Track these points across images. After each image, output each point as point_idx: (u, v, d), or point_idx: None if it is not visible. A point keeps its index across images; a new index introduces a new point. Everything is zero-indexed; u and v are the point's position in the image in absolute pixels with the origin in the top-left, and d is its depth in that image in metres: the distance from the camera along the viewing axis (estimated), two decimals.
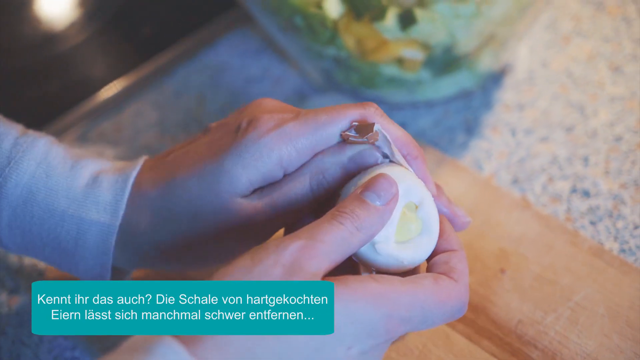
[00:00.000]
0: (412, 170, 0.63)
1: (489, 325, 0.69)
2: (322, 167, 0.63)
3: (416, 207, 0.61)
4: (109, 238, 0.64)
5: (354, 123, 0.62)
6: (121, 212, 0.64)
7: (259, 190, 0.63)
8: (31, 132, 0.67)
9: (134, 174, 0.65)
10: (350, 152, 0.63)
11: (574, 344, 0.68)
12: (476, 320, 0.70)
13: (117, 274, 0.68)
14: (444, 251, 0.61)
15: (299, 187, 0.63)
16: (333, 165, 0.63)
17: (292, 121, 0.62)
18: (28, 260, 0.79)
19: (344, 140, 0.63)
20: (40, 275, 0.78)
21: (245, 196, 0.63)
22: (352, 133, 0.62)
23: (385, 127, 0.62)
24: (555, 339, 0.68)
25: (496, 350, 0.68)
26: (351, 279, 0.55)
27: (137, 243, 0.65)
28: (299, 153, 0.62)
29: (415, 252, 0.60)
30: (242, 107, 0.67)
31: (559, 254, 0.73)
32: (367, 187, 0.58)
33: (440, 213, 0.63)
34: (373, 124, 0.61)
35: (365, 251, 0.59)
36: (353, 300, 0.54)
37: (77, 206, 0.64)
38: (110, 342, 0.71)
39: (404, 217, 0.60)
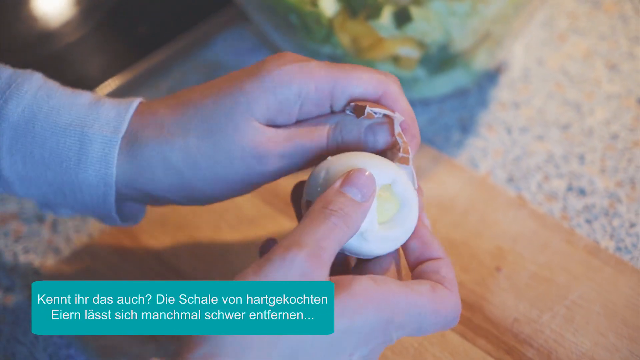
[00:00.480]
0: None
1: (485, 323, 0.69)
2: (342, 123, 0.63)
3: (389, 185, 0.60)
4: (112, 150, 0.63)
5: (352, 103, 0.63)
6: (124, 126, 0.63)
7: (275, 127, 0.63)
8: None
9: (137, 100, 0.65)
10: (368, 122, 0.63)
11: (569, 342, 0.67)
12: (472, 319, 0.69)
13: (127, 214, 0.68)
14: (429, 259, 0.61)
15: (317, 134, 0.63)
16: (352, 125, 0.63)
17: (315, 61, 0.63)
18: (23, 258, 0.79)
19: (356, 112, 0.63)
20: (36, 273, 0.78)
21: (261, 123, 0.62)
22: (349, 112, 0.63)
23: (397, 96, 0.63)
24: (551, 338, 0.68)
25: (492, 349, 0.68)
26: (352, 281, 0.55)
27: (145, 156, 0.63)
28: (317, 91, 0.62)
29: (402, 229, 0.60)
30: None
31: (554, 253, 0.73)
32: (349, 181, 0.58)
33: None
34: (365, 107, 0.62)
35: (354, 242, 0.59)
36: (356, 307, 0.54)
37: (80, 121, 0.64)
38: (105, 340, 0.71)
39: (379, 199, 0.60)
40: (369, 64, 0.83)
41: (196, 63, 0.97)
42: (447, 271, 0.60)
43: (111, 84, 0.93)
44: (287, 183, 0.80)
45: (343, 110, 0.63)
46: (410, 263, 0.62)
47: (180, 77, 0.95)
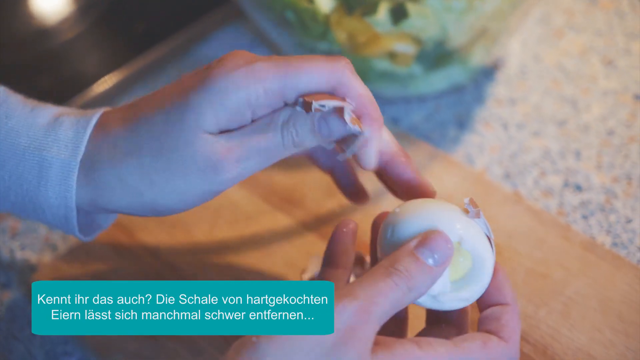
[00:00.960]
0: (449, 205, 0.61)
1: None
2: (294, 117, 0.61)
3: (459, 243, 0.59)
4: (70, 174, 0.63)
5: (299, 99, 0.61)
6: (82, 148, 0.63)
7: (228, 132, 0.61)
8: None
9: (97, 115, 0.64)
10: (318, 113, 0.61)
11: (565, 338, 0.68)
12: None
13: (88, 226, 0.67)
14: (496, 304, 0.59)
15: (270, 133, 0.61)
16: (305, 118, 0.61)
17: (262, 61, 0.61)
18: (20, 255, 0.79)
19: (305, 108, 0.61)
20: (33, 269, 0.78)
21: (212, 134, 0.61)
22: (300, 108, 0.61)
23: (350, 83, 0.61)
24: (547, 333, 0.68)
25: None
26: (395, 344, 0.54)
27: (102, 179, 0.63)
28: (267, 94, 0.60)
29: (475, 287, 0.59)
30: None
31: (551, 248, 0.73)
32: (423, 243, 0.57)
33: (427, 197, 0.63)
34: (311, 102, 0.60)
35: (426, 302, 0.58)
36: None
37: (38, 144, 0.63)
38: (102, 338, 0.71)
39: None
40: (366, 60, 0.83)
41: (193, 60, 0.97)
42: (509, 319, 0.58)
43: (108, 81, 0.93)
44: (284, 180, 0.80)
45: (294, 105, 0.61)
46: (479, 305, 0.61)
47: (177, 74, 0.95)
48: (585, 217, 0.77)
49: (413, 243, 0.57)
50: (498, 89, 0.89)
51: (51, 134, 0.64)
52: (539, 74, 0.90)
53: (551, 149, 0.83)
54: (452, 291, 0.58)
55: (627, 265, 0.71)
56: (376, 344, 0.54)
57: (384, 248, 0.60)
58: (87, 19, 1.00)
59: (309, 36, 0.82)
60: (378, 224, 0.65)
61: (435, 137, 0.85)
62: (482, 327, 0.59)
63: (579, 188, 0.79)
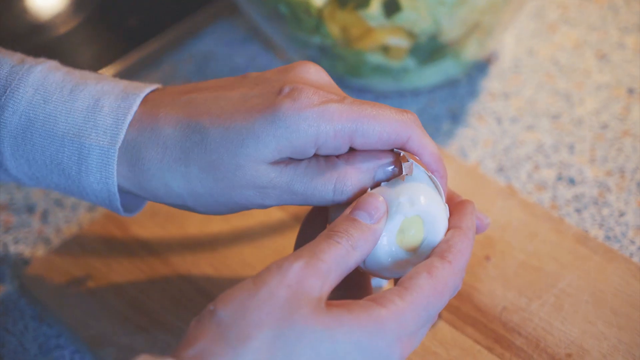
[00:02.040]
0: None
1: (474, 312, 0.69)
2: (348, 176, 0.61)
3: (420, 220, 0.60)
4: (110, 161, 0.62)
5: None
6: (121, 136, 0.62)
7: (285, 162, 0.61)
8: (29, 59, 0.66)
9: (139, 99, 0.63)
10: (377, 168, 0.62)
11: (558, 330, 0.68)
12: (461, 308, 0.70)
13: (132, 204, 0.68)
14: (452, 227, 0.61)
15: (321, 187, 0.61)
16: (360, 176, 0.61)
17: (336, 103, 0.60)
18: (13, 249, 0.79)
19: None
20: (26, 263, 0.78)
21: (268, 163, 0.60)
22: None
23: (423, 141, 0.61)
24: (539, 326, 0.68)
25: (480, 337, 0.68)
26: (354, 304, 0.55)
27: (147, 178, 0.63)
28: (336, 136, 0.60)
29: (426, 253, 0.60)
30: (287, 66, 0.64)
31: (543, 242, 0.73)
32: (358, 206, 0.58)
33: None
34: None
35: (385, 272, 0.60)
36: (358, 328, 0.54)
37: (76, 130, 0.63)
38: (94, 330, 0.71)
39: (405, 223, 0.59)
40: (359, 54, 0.83)
41: (187, 54, 0.97)
42: (457, 241, 0.59)
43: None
44: None
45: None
46: None
47: (171, 69, 0.95)
48: (578, 211, 0.77)
49: (348, 210, 0.59)
50: (492, 83, 0.89)
51: (90, 120, 0.63)
52: (533, 68, 0.90)
53: (545, 143, 0.83)
54: (411, 258, 0.60)
55: (620, 258, 0.71)
56: (333, 305, 0.55)
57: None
58: (81, 13, 1.00)
59: (302, 30, 0.82)
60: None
61: (429, 130, 0.85)
62: (434, 250, 0.59)
63: (572, 182, 0.80)
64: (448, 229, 0.61)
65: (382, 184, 0.60)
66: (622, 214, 0.77)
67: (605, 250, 0.72)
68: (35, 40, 0.98)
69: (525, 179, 0.80)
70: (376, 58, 0.83)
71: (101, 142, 0.62)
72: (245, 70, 0.94)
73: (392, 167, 0.61)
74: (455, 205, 0.62)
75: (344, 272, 0.56)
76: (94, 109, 0.63)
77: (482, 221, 0.65)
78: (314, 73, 0.63)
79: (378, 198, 0.59)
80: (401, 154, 0.61)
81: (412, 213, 0.59)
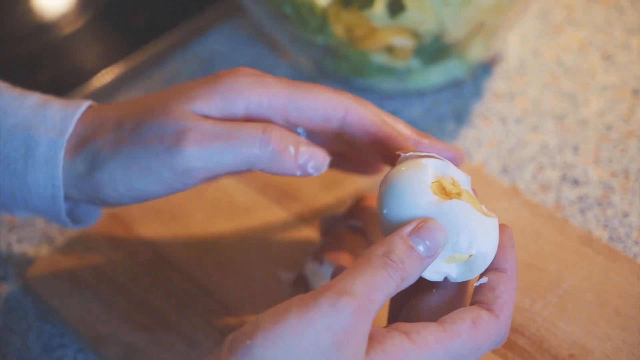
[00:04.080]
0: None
1: None
2: (278, 127, 0.61)
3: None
4: (58, 152, 0.63)
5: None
6: (70, 129, 0.63)
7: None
8: None
9: (87, 103, 0.65)
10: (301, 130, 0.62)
11: (561, 331, 0.67)
12: None
13: (80, 216, 0.68)
14: (494, 269, 0.58)
15: (249, 126, 0.60)
16: (289, 133, 0.61)
17: (273, 78, 0.62)
18: (17, 248, 0.79)
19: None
20: (30, 263, 0.78)
21: (194, 113, 0.61)
22: None
23: (360, 110, 0.62)
24: (542, 326, 0.68)
25: None
26: (386, 338, 0.53)
27: (84, 156, 0.63)
28: (270, 103, 0.61)
29: (464, 272, 0.58)
30: None
31: (547, 242, 0.73)
32: (420, 232, 0.56)
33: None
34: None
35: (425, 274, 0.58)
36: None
37: (26, 123, 0.64)
38: (98, 329, 0.71)
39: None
40: (364, 54, 0.83)
41: (191, 55, 0.97)
42: (504, 290, 0.57)
43: (107, 75, 0.93)
44: None
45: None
46: None
47: (176, 69, 0.95)
48: (582, 212, 0.77)
49: (407, 230, 0.56)
50: (496, 84, 0.89)
51: (39, 114, 0.64)
52: (538, 68, 0.90)
53: (549, 144, 0.83)
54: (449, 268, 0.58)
55: (623, 258, 0.71)
56: (370, 342, 0.53)
57: (380, 221, 0.59)
58: (86, 13, 1.00)
59: (307, 30, 0.82)
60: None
61: (434, 131, 0.85)
62: (475, 296, 0.57)
63: (576, 182, 0.79)
64: (491, 268, 0.58)
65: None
66: (626, 215, 0.76)
67: (609, 251, 0.72)
68: (40, 40, 0.98)
69: (530, 180, 0.80)
70: (380, 58, 0.83)
71: (50, 134, 0.63)
72: None
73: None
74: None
75: (386, 301, 0.55)
76: (44, 106, 0.64)
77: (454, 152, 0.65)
78: (252, 69, 0.64)
79: (441, 230, 0.56)
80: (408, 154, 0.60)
81: (466, 252, 0.57)
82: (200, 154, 0.60)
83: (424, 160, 0.58)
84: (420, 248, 0.55)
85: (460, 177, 0.59)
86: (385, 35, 0.80)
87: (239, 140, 0.60)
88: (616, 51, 0.91)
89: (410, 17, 0.78)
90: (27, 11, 1.02)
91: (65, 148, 0.63)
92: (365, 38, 0.81)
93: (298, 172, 0.62)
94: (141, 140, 0.61)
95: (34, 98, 0.65)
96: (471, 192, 0.60)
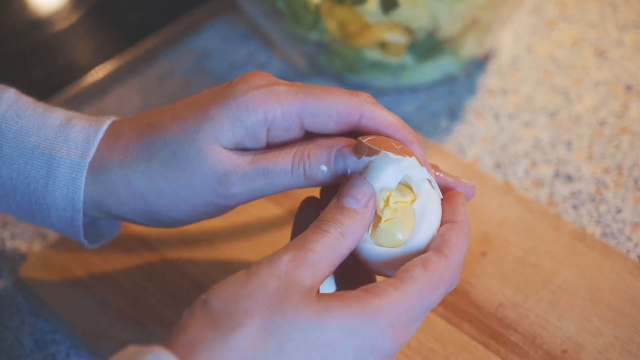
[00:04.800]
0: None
1: (470, 308, 0.69)
2: (308, 149, 0.62)
3: (413, 195, 0.60)
4: (79, 175, 0.63)
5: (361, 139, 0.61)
6: (93, 150, 0.63)
7: (242, 150, 0.63)
8: None
9: (109, 121, 0.65)
10: (338, 146, 0.62)
11: (554, 327, 0.68)
12: (457, 304, 0.69)
13: (94, 234, 0.68)
14: (447, 222, 0.60)
15: (281, 160, 0.61)
16: (320, 151, 0.61)
17: (284, 85, 0.62)
18: (10, 244, 0.79)
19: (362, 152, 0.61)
20: (23, 259, 0.78)
21: (226, 148, 0.62)
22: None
23: (376, 114, 0.62)
24: (535, 322, 0.68)
25: (476, 333, 0.68)
26: (346, 294, 0.55)
27: (110, 181, 0.63)
28: (284, 115, 0.61)
29: (420, 236, 0.59)
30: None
31: (540, 238, 0.73)
32: (344, 192, 0.59)
33: (448, 184, 0.63)
34: (371, 148, 0.60)
35: (367, 251, 0.60)
36: (349, 315, 0.54)
37: (48, 143, 0.64)
38: (91, 326, 0.71)
39: (394, 209, 0.59)
40: (357, 50, 0.83)
41: (185, 51, 0.96)
42: (453, 235, 0.59)
43: (101, 71, 0.93)
44: None
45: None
46: None
47: (170, 65, 0.95)
48: (575, 207, 0.77)
49: (334, 200, 0.59)
50: (490, 80, 0.89)
51: (62, 135, 0.64)
52: (531, 64, 0.90)
53: (542, 140, 0.83)
54: (407, 255, 0.59)
55: (616, 254, 0.71)
56: (325, 295, 0.55)
57: None
58: (80, 9, 1.00)
59: (300, 26, 0.82)
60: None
61: (427, 127, 0.85)
62: (429, 246, 0.59)
63: (569, 178, 0.79)
64: (442, 223, 0.60)
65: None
66: (619, 211, 0.76)
67: (602, 247, 0.72)
68: (34, 36, 0.98)
69: (523, 176, 0.80)
70: (374, 54, 0.83)
71: (72, 156, 0.63)
72: (243, 66, 0.94)
73: (354, 149, 0.61)
74: (445, 197, 0.62)
75: (336, 261, 0.57)
76: (66, 126, 0.64)
77: (469, 186, 0.64)
78: (263, 73, 0.64)
79: (364, 181, 0.59)
80: (365, 140, 0.60)
81: (402, 198, 0.59)
82: (242, 193, 0.62)
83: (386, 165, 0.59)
84: (351, 203, 0.58)
85: (418, 176, 0.60)
86: (379, 31, 0.80)
87: (275, 175, 0.62)
88: (609, 47, 0.91)
89: (403, 13, 0.78)
90: (21, 7, 1.01)
91: (88, 169, 0.63)
92: (359, 34, 0.81)
93: (338, 177, 0.62)
94: (183, 178, 0.62)
95: (57, 116, 0.65)
96: (431, 187, 0.61)
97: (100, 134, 0.64)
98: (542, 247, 0.72)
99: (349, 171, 0.61)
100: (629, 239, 0.74)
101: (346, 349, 0.54)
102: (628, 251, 0.73)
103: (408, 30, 0.80)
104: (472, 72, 0.90)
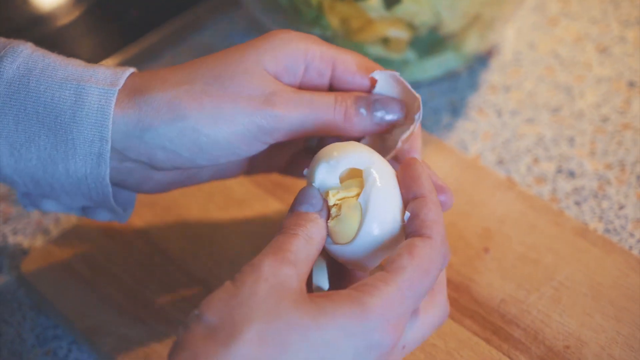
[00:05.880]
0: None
1: (472, 304, 0.69)
2: (348, 93, 0.65)
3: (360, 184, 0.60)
4: (109, 102, 0.62)
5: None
6: (122, 82, 0.62)
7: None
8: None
9: (131, 69, 0.65)
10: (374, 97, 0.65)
11: (556, 322, 0.67)
12: (459, 300, 0.69)
13: (117, 202, 0.68)
14: (413, 198, 0.59)
15: (325, 97, 0.64)
16: (359, 95, 0.65)
17: (319, 38, 0.66)
18: (12, 239, 0.79)
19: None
20: (25, 254, 0.78)
21: (270, 72, 0.64)
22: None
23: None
24: (537, 318, 0.68)
25: (478, 329, 0.67)
26: (335, 294, 0.55)
27: (149, 102, 0.62)
28: (322, 56, 0.64)
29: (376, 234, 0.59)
30: None
31: (542, 234, 0.73)
32: (297, 201, 0.60)
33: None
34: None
35: (333, 252, 0.60)
36: (343, 315, 0.54)
37: (76, 76, 0.62)
38: (92, 321, 0.71)
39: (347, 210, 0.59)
40: (359, 46, 0.82)
41: (187, 47, 0.96)
42: (427, 212, 0.58)
43: None
44: None
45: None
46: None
47: (171, 61, 0.95)
48: (578, 204, 0.77)
49: (291, 208, 0.60)
50: (492, 76, 0.89)
51: (89, 70, 0.63)
52: (533, 61, 0.90)
53: (545, 136, 0.83)
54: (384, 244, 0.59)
55: (618, 250, 0.71)
56: (315, 296, 0.55)
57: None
58: (81, 5, 1.00)
59: (302, 22, 0.82)
60: None
61: (429, 123, 0.85)
62: (407, 231, 0.59)
63: (572, 174, 0.79)
64: (407, 198, 0.59)
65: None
66: (621, 207, 0.76)
67: (604, 243, 0.72)
68: (35, 32, 0.98)
69: (525, 172, 0.80)
70: (376, 50, 0.83)
71: (101, 85, 0.62)
72: None
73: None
74: (402, 168, 0.61)
75: (309, 261, 0.57)
76: (92, 67, 0.64)
77: (445, 192, 0.64)
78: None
79: (311, 187, 0.60)
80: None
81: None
82: (286, 117, 0.63)
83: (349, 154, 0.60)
84: (307, 209, 0.59)
85: (360, 165, 0.60)
86: (381, 27, 0.80)
87: (318, 107, 0.63)
88: (612, 43, 0.91)
89: (406, 9, 0.78)
90: (22, 3, 1.01)
91: (118, 100, 0.62)
92: (361, 30, 0.81)
93: (377, 128, 0.65)
94: (228, 95, 0.62)
95: (78, 60, 0.64)
96: (374, 171, 0.60)
97: (128, 72, 0.64)
98: (545, 243, 0.72)
99: (387, 120, 0.64)
100: (632, 235, 0.74)
101: (345, 348, 0.54)
102: (630, 247, 0.73)
103: (410, 26, 0.80)
104: (475, 68, 0.90)
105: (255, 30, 0.96)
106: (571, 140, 0.82)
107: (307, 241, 0.57)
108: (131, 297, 0.72)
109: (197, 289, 0.72)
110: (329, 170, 0.60)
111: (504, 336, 0.67)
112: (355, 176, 0.60)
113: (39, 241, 0.79)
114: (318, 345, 0.53)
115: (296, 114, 0.63)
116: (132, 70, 0.64)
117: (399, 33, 0.81)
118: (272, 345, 0.52)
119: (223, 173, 0.70)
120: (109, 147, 0.62)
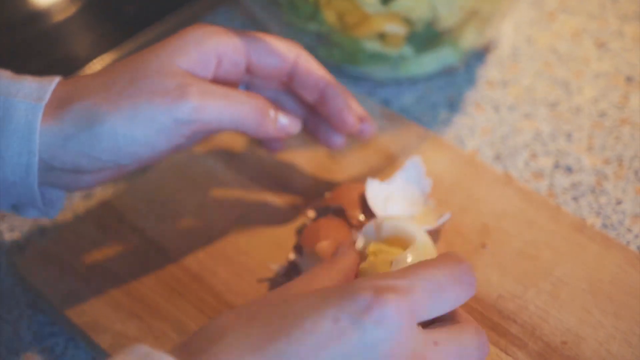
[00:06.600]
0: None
1: (469, 300, 0.68)
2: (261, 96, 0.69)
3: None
4: (35, 117, 0.64)
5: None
6: (48, 95, 0.65)
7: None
8: None
9: (57, 78, 0.67)
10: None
11: (554, 318, 0.67)
12: None
13: (45, 201, 0.69)
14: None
15: (239, 91, 0.68)
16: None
17: (232, 29, 0.69)
18: (8, 236, 0.79)
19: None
20: (21, 251, 0.78)
21: (183, 69, 0.66)
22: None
23: (310, 63, 0.72)
24: (535, 314, 0.68)
25: None
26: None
27: (70, 114, 0.64)
28: (235, 48, 0.68)
29: None
30: None
31: (540, 230, 0.73)
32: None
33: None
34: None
35: None
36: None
37: (3, 90, 0.64)
38: (88, 317, 0.71)
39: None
40: (356, 41, 0.82)
41: None
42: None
43: (99, 64, 0.93)
44: (273, 161, 0.80)
45: None
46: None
47: None
48: (575, 199, 0.77)
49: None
50: (490, 71, 0.89)
51: (15, 84, 0.65)
52: (531, 56, 0.90)
53: (542, 131, 0.82)
54: None
55: (617, 246, 0.71)
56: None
57: None
58: (78, 1, 1.00)
59: (299, 17, 0.82)
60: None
61: (426, 118, 0.85)
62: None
63: (569, 170, 0.79)
64: None
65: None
66: (619, 202, 0.76)
67: (602, 239, 0.72)
68: (32, 28, 0.97)
69: (523, 167, 0.80)
70: (373, 45, 0.82)
71: (28, 99, 0.64)
72: None
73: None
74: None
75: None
76: (18, 78, 0.66)
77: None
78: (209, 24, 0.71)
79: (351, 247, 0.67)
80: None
81: None
82: (201, 107, 0.65)
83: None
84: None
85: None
86: (378, 22, 0.80)
87: (232, 99, 0.66)
88: (610, 38, 0.91)
89: (402, 4, 0.78)
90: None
91: (44, 113, 0.64)
92: (358, 25, 0.80)
93: (277, 133, 0.70)
94: (142, 94, 0.64)
95: (6, 72, 0.66)
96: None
97: (54, 83, 0.66)
98: (542, 238, 0.72)
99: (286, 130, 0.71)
100: (629, 230, 0.74)
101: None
102: (628, 242, 0.73)
103: (407, 21, 0.80)
104: (472, 64, 0.90)
105: (252, 26, 0.96)
106: (569, 136, 0.82)
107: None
108: (127, 294, 0.72)
109: (194, 285, 0.72)
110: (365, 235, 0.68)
111: (501, 332, 0.67)
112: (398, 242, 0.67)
113: (35, 238, 0.79)
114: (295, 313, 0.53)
115: (211, 105, 0.65)
116: (57, 80, 0.66)
117: (395, 28, 0.80)
118: (245, 317, 0.54)
119: (151, 161, 0.71)
120: (36, 159, 0.64)
